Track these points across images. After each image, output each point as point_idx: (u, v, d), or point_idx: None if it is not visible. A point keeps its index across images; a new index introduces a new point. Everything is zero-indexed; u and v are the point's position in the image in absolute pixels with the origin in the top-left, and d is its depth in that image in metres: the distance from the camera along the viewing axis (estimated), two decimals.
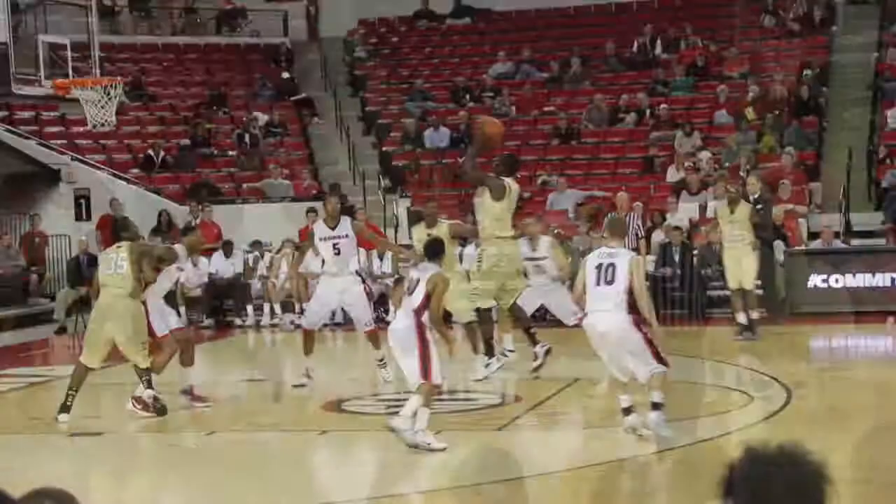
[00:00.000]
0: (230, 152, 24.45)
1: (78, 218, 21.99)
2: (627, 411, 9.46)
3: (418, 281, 9.34)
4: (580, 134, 23.91)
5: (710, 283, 18.24)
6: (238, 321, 18.92)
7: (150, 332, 11.28)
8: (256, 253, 19.95)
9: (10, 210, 21.82)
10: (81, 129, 22.20)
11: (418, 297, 9.25)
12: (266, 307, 18.97)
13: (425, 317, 9.21)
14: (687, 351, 14.26)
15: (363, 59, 28.15)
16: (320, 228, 12.76)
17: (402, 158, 23.92)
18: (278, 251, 19.59)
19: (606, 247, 9.47)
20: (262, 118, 25.25)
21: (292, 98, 26.68)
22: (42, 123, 24.28)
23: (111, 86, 16.49)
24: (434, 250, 9.67)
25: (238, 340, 18.00)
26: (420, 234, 12.85)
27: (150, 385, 11.16)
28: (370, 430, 10.68)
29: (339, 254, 12.59)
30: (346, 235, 12.60)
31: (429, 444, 9.14)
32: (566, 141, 23.73)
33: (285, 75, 27.20)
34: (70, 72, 14.68)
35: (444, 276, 9.47)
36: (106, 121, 15.61)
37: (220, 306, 19.27)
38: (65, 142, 23.53)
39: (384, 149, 24.75)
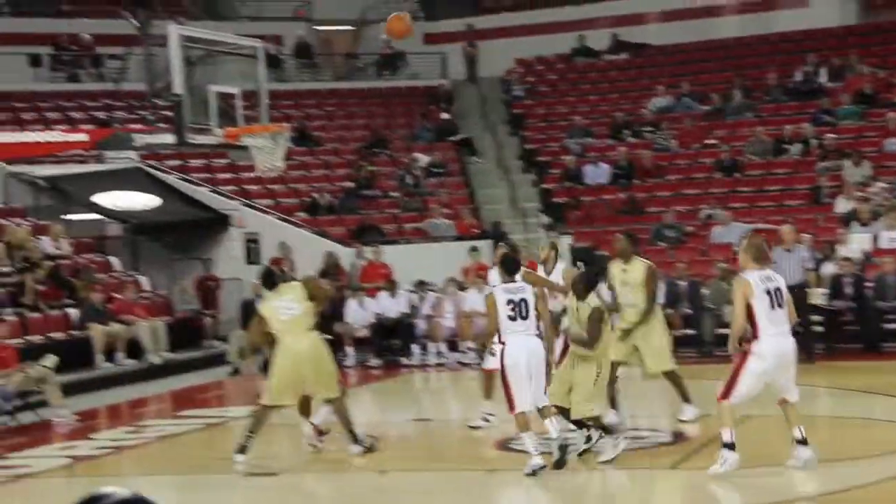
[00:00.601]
0: (392, 193, 24.84)
1: (249, 261, 22.64)
2: (802, 442, 9.36)
3: None
4: (743, 166, 23.54)
5: (886, 316, 17.69)
6: (404, 360, 19.13)
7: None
8: (421, 292, 20.17)
9: (185, 255, 22.58)
10: (250, 174, 22.87)
11: None
12: (432, 346, 19.15)
13: None
14: (861, 386, 13.84)
15: (521, 98, 28.31)
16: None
17: (562, 195, 23.92)
18: (442, 290, 19.77)
19: (760, 271, 9.38)
20: (423, 159, 25.59)
21: (452, 138, 26.99)
22: (213, 171, 25.10)
23: (278, 132, 16.94)
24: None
25: (405, 380, 18.20)
26: (615, 270, 12.28)
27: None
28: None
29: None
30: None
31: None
32: (729, 174, 23.39)
33: (445, 116, 27.53)
34: (240, 120, 15.15)
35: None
36: (274, 166, 16.04)
37: (386, 346, 19.53)
38: (235, 188, 24.27)
39: (544, 186, 24.80)
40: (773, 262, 10.87)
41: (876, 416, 12.28)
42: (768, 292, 9.23)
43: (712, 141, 24.64)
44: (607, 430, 10.28)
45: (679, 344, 17.88)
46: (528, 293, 10.08)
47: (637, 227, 22.18)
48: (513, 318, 9.90)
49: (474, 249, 20.80)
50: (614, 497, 9.37)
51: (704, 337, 17.88)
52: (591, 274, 10.56)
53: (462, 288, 19.61)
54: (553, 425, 9.95)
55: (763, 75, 26.28)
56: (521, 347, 9.84)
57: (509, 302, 9.91)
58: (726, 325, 17.77)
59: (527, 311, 9.90)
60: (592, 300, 10.11)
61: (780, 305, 9.25)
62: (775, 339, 9.24)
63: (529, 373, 9.81)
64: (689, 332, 18.10)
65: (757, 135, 23.87)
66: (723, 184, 23.27)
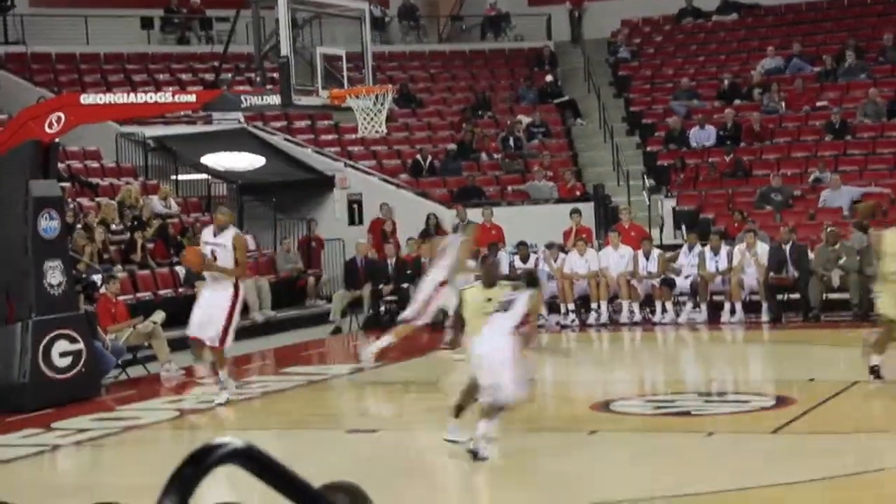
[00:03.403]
0: (495, 156, 24.79)
1: (351, 222, 22.82)
2: None
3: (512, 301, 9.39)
4: (855, 129, 22.98)
5: None
6: None
7: None
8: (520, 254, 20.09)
9: (289, 216, 22.85)
10: (354, 136, 23.01)
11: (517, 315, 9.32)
12: None
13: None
14: None
15: (627, 60, 27.98)
16: None
17: (666, 158, 23.63)
18: (543, 253, 19.69)
19: None
20: (526, 120, 25.48)
21: (556, 100, 26.82)
22: (317, 132, 25.32)
23: (382, 94, 17.00)
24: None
25: None
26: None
27: None
28: (640, 431, 10.63)
29: None
30: None
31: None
32: (839, 136, 22.86)
33: (549, 78, 27.34)
34: (345, 82, 15.22)
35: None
36: (377, 128, 16.12)
37: None
38: (338, 149, 24.46)
39: (648, 148, 24.53)
40: None
41: None
42: None
43: (822, 103, 24.10)
44: None
45: (785, 308, 17.68)
46: None
47: (742, 191, 21.97)
48: None
49: (576, 211, 20.67)
50: (713, 459, 9.27)
51: (811, 302, 17.54)
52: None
53: (563, 250, 19.52)
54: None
55: (878, 35, 25.58)
56: None
57: None
58: (834, 291, 17.51)
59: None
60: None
61: None
62: None
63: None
64: (794, 296, 17.80)
65: (870, 97, 23.28)
66: (833, 147, 22.77)
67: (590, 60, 28.45)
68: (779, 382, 12.48)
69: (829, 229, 18.28)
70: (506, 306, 9.41)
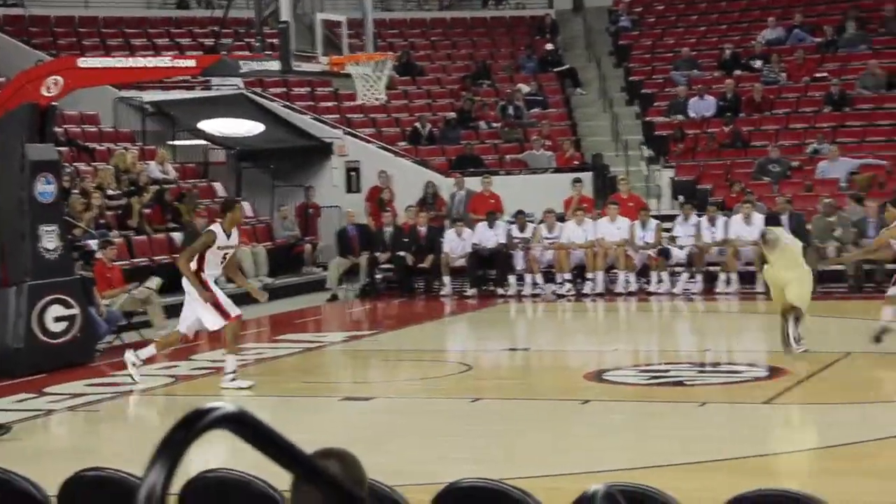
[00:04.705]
0: (494, 124, 24.74)
1: (349, 190, 22.80)
2: None
3: None
4: (854, 100, 22.94)
5: None
6: (500, 291, 19.16)
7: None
8: (518, 223, 20.11)
9: (287, 182, 22.83)
10: (353, 103, 22.95)
11: None
12: (528, 277, 19.14)
13: None
14: None
15: (628, 29, 27.87)
16: None
17: (665, 128, 23.60)
18: (541, 221, 19.71)
19: None
20: (525, 89, 25.42)
21: (556, 69, 26.74)
22: (316, 99, 25.26)
23: (382, 61, 16.93)
24: None
25: (500, 310, 18.26)
26: None
27: None
28: (632, 401, 10.68)
29: None
30: None
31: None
32: (838, 108, 22.83)
33: (549, 46, 27.25)
34: (345, 48, 15.16)
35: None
36: (376, 96, 16.06)
37: (483, 276, 19.57)
38: (337, 116, 24.41)
39: (647, 118, 24.49)
40: None
41: None
42: None
43: (822, 74, 24.04)
44: None
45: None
46: None
47: (741, 162, 21.95)
48: None
49: (578, 181, 20.67)
50: (705, 430, 9.32)
51: None
52: None
53: (561, 219, 19.53)
54: None
55: (879, 6, 25.47)
56: None
57: None
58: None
59: None
60: None
61: None
62: None
63: None
64: None
65: (870, 68, 23.23)
66: (831, 118, 22.74)
67: (591, 29, 28.34)
68: (772, 353, 12.51)
69: (825, 200, 18.30)
70: None
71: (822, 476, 7.94)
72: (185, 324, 11.51)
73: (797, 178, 21.04)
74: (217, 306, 11.29)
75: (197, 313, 11.37)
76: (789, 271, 12.05)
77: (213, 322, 11.39)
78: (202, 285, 11.26)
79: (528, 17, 29.14)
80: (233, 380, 11.49)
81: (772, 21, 25.99)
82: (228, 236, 11.44)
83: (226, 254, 11.46)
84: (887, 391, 10.97)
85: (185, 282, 11.40)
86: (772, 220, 17.89)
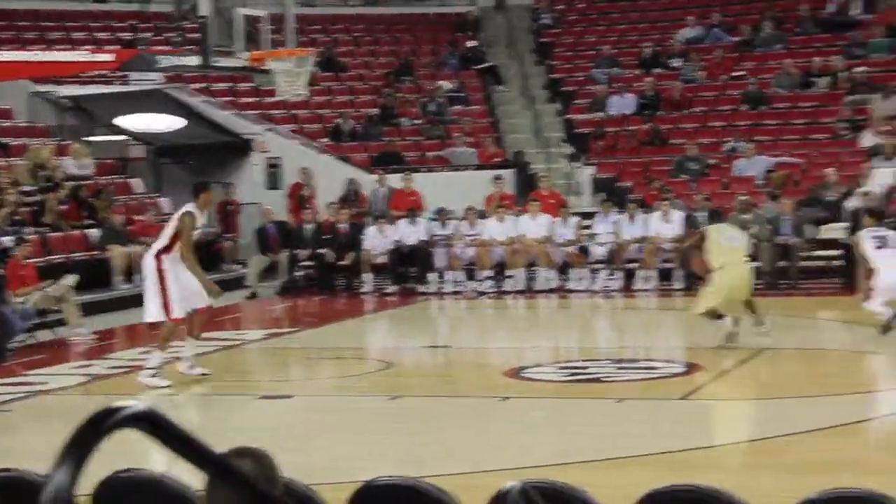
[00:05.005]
0: (416, 121, 24.73)
1: (270, 186, 22.63)
2: None
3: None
4: (770, 99, 23.31)
5: None
6: (421, 288, 19.17)
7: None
8: (440, 220, 20.14)
9: (207, 178, 22.56)
10: (274, 99, 22.78)
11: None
12: (449, 274, 19.17)
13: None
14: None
15: (549, 26, 28.02)
16: None
17: (586, 125, 23.77)
18: (462, 218, 19.76)
19: None
20: (448, 86, 25.44)
21: (478, 66, 26.79)
22: (237, 94, 25.04)
23: (303, 57, 16.83)
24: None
25: (421, 307, 18.27)
26: None
27: None
28: (551, 397, 10.75)
29: None
30: None
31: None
32: (755, 106, 23.17)
33: (471, 44, 27.30)
34: (265, 44, 15.07)
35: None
36: (297, 91, 15.97)
37: (404, 273, 19.56)
38: (258, 112, 24.22)
39: (569, 116, 24.64)
40: None
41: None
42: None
43: (740, 73, 24.39)
44: None
45: (698, 276, 17.90)
46: None
47: (660, 159, 22.18)
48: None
49: (498, 178, 20.74)
50: (622, 426, 9.41)
51: None
52: None
53: (482, 216, 19.59)
54: None
55: (795, 6, 25.90)
56: None
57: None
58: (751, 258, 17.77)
59: None
60: None
61: None
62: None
63: None
64: None
65: (785, 67, 23.60)
66: (748, 116, 23.08)
67: (513, 27, 28.44)
68: (689, 349, 12.68)
69: (741, 198, 18.57)
70: None
71: (740, 471, 8.05)
72: (178, 306, 11.23)
73: (715, 175, 21.32)
74: (165, 303, 11.14)
75: (148, 297, 11.23)
76: (740, 266, 12.42)
77: (153, 314, 11.23)
78: (162, 280, 11.08)
79: (451, 13, 29.17)
80: (153, 376, 11.35)
81: (691, 20, 26.31)
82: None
83: (198, 237, 11.40)
84: (801, 386, 11.15)
85: (146, 267, 11.26)
86: (690, 218, 18.14)
